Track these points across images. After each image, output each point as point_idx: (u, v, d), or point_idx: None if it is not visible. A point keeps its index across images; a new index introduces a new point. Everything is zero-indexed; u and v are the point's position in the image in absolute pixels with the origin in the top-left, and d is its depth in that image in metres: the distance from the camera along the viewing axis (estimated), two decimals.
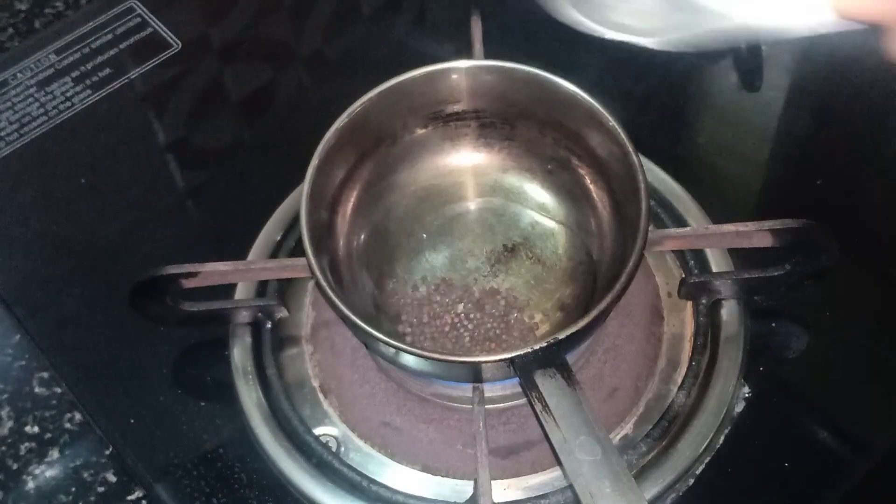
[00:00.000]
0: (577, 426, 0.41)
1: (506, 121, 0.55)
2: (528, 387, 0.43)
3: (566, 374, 0.43)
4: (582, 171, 0.54)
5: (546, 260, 0.54)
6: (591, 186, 0.54)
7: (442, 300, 0.53)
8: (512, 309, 0.53)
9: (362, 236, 0.55)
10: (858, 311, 0.55)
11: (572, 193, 0.55)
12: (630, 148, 0.49)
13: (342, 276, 0.52)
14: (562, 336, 0.44)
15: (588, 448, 0.41)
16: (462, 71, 0.52)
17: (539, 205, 0.56)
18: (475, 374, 0.47)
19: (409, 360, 0.46)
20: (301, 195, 0.49)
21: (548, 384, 0.43)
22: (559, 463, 0.41)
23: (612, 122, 0.49)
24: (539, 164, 0.56)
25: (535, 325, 0.52)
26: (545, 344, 0.44)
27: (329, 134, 0.50)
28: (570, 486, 0.41)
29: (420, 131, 0.55)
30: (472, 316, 0.52)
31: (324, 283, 0.46)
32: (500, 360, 0.44)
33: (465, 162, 0.57)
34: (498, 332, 0.52)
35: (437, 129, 0.55)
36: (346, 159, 0.53)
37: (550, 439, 0.42)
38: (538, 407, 0.42)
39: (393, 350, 0.45)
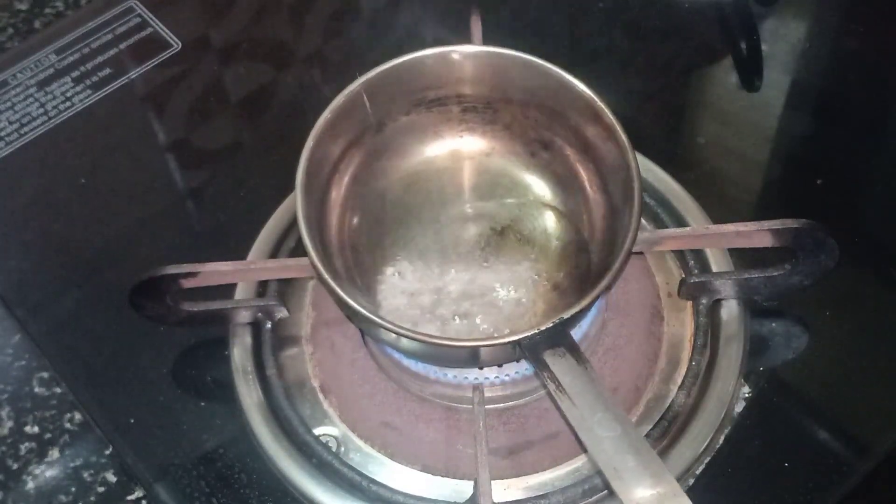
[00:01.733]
0: (593, 403, 0.42)
1: (488, 104, 0.55)
2: (539, 368, 0.43)
3: (575, 352, 0.44)
4: (567, 152, 0.54)
5: (536, 240, 0.54)
6: (577, 166, 0.54)
7: (436, 286, 0.53)
8: (506, 291, 0.52)
9: (353, 225, 0.55)
10: (858, 311, 0.55)
11: (558, 174, 0.55)
12: (618, 126, 0.49)
13: (337, 267, 0.52)
14: (566, 315, 0.44)
15: (607, 424, 0.41)
16: (442, 56, 0.52)
17: (525, 186, 0.56)
18: (481, 358, 0.47)
19: (413, 346, 0.46)
20: (296, 188, 0.48)
21: (559, 364, 0.43)
22: (578, 440, 0.42)
23: (598, 101, 0.50)
24: (523, 146, 0.56)
25: (531, 305, 0.52)
26: (551, 324, 0.44)
27: (317, 125, 0.50)
28: (593, 462, 0.41)
29: (403, 118, 0.55)
30: (467, 300, 0.52)
31: (322, 270, 0.46)
32: (507, 343, 0.44)
33: (450, 147, 0.57)
34: (494, 314, 0.52)
35: (419, 116, 0.55)
36: (335, 146, 0.53)
37: (567, 417, 0.42)
38: (551, 387, 0.43)
39: (397, 337, 0.45)
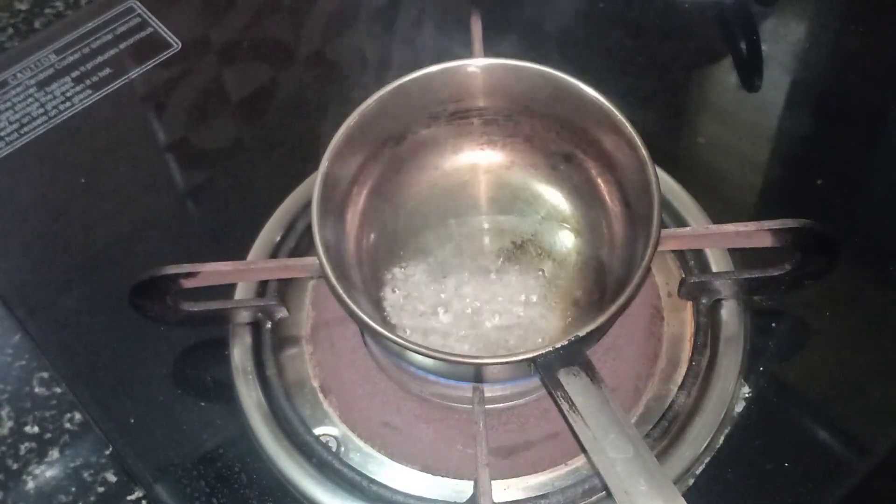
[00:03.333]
0: (606, 424, 0.41)
1: (509, 117, 0.55)
2: (553, 386, 0.43)
3: (590, 371, 0.43)
4: (588, 166, 0.54)
5: (556, 256, 0.54)
6: (598, 180, 0.54)
7: (452, 300, 0.53)
8: (524, 306, 0.52)
9: (371, 237, 0.55)
10: (858, 311, 0.55)
11: (579, 188, 0.55)
12: (639, 141, 0.49)
13: (352, 278, 0.52)
14: (582, 333, 0.44)
15: (619, 446, 0.41)
16: (464, 69, 0.52)
17: (546, 201, 0.56)
18: (496, 375, 0.47)
19: (428, 362, 0.46)
20: (313, 196, 0.48)
21: (573, 383, 0.43)
22: (590, 461, 0.41)
23: (619, 115, 0.50)
24: (544, 159, 0.56)
25: (547, 321, 0.52)
26: (566, 342, 0.43)
27: (337, 136, 0.50)
28: (603, 485, 0.41)
29: (424, 131, 0.55)
30: (484, 315, 0.52)
31: (338, 287, 0.46)
32: (522, 360, 0.44)
33: (470, 160, 0.57)
34: (511, 330, 0.52)
35: (440, 128, 0.55)
36: (353, 161, 0.53)
37: (580, 438, 0.41)
38: (564, 406, 0.42)
39: (407, 352, 0.45)
